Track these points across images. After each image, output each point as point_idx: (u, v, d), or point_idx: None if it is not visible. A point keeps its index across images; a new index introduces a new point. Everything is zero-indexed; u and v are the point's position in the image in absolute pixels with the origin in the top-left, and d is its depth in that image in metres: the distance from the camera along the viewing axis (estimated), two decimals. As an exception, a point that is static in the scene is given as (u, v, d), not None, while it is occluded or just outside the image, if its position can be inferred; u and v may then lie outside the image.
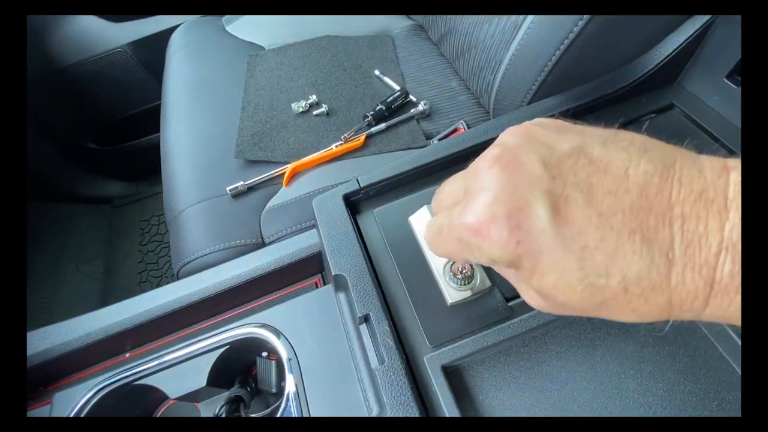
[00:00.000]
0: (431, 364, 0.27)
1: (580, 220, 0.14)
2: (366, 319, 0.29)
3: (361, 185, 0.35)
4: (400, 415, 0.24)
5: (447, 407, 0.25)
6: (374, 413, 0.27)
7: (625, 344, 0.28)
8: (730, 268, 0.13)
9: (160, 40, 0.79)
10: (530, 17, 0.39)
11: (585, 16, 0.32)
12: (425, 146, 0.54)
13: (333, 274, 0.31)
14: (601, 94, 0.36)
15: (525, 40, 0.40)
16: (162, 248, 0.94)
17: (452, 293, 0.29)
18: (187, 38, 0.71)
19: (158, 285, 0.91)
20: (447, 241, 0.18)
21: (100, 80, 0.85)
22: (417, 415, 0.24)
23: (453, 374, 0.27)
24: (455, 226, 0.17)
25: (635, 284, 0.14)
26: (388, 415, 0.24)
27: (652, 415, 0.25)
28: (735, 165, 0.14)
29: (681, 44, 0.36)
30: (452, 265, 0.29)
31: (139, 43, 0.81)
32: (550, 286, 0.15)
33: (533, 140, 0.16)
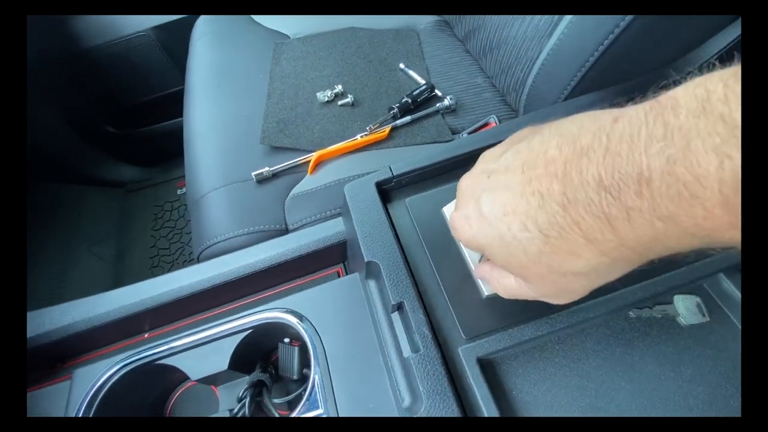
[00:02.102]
0: (466, 355, 0.26)
1: (501, 198, 0.19)
2: (399, 307, 0.28)
3: (394, 173, 0.34)
4: (437, 405, 0.24)
5: (483, 400, 0.24)
6: (406, 403, 0.26)
7: (664, 345, 0.27)
8: (612, 202, 0.15)
9: (184, 25, 0.78)
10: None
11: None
12: (451, 140, 0.53)
13: (365, 260, 0.30)
14: (644, 94, 0.35)
15: (566, 34, 0.39)
16: (174, 234, 0.94)
17: (488, 286, 0.28)
18: (212, 24, 0.71)
19: (169, 271, 0.91)
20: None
21: (121, 63, 0.85)
22: (454, 405, 0.24)
23: (486, 368, 0.27)
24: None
25: (549, 229, 0.17)
26: (423, 405, 0.24)
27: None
28: (621, 112, 0.16)
29: (726, 45, 0.35)
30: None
31: (163, 27, 0.81)
32: (503, 255, 0.20)
33: (488, 160, 0.22)
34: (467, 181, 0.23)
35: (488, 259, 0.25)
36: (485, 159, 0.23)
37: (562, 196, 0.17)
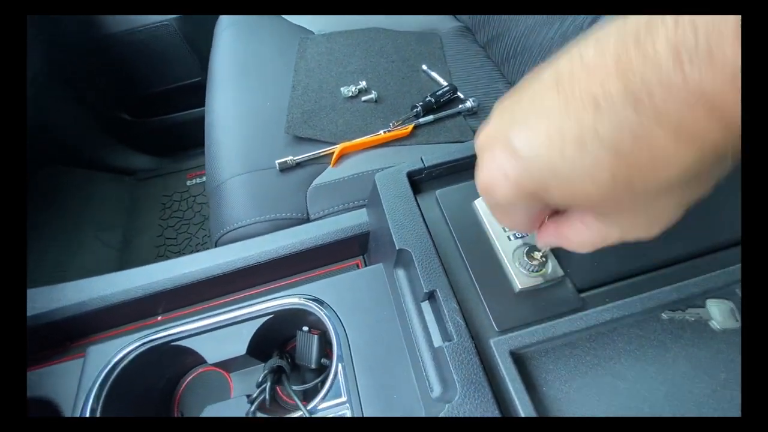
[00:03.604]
0: (498, 347, 0.26)
1: (531, 135, 0.15)
2: (431, 295, 0.28)
3: (426, 165, 0.34)
4: (472, 394, 0.23)
5: (516, 393, 0.24)
6: (436, 393, 0.26)
7: (697, 348, 0.27)
8: (703, 61, 0.11)
9: (208, 17, 0.79)
10: (602, 18, 0.39)
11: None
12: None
13: (397, 248, 0.30)
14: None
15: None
16: (182, 224, 0.93)
17: (522, 279, 0.28)
18: (237, 17, 0.72)
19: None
20: None
21: (143, 51, 0.85)
22: (489, 395, 0.23)
23: (518, 361, 0.26)
24: None
25: (617, 139, 0.13)
26: (458, 394, 0.23)
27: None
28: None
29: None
30: (527, 250, 0.28)
31: (187, 18, 0.82)
32: (562, 189, 0.15)
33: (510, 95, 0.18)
34: (484, 131, 0.18)
35: (541, 227, 0.21)
36: (500, 102, 0.18)
37: (626, 91, 0.13)
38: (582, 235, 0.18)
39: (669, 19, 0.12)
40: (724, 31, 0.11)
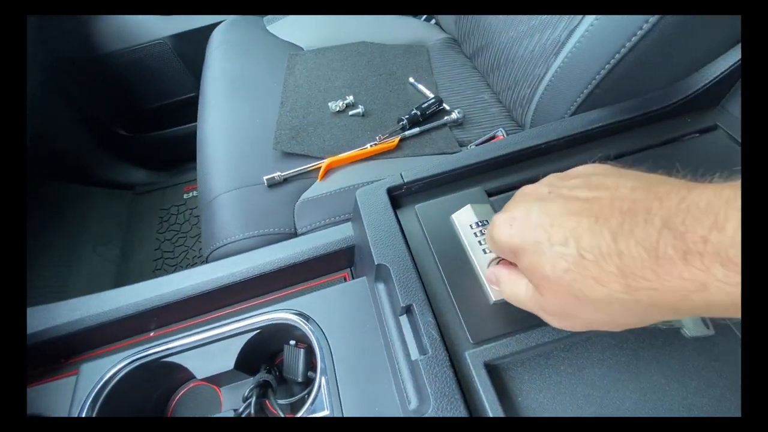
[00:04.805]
0: (473, 359, 0.26)
1: (554, 212, 0.20)
2: (408, 309, 0.29)
3: (405, 180, 0.35)
4: (445, 407, 0.24)
5: (489, 404, 0.25)
6: (413, 405, 0.26)
7: (669, 357, 0.28)
8: (671, 240, 0.15)
9: (201, 35, 0.81)
10: (577, 32, 0.40)
11: (638, 32, 0.33)
12: (458, 152, 0.55)
13: (375, 263, 0.31)
14: (647, 111, 0.37)
15: (573, 53, 0.40)
16: (179, 237, 0.95)
17: (496, 291, 0.28)
18: (229, 34, 0.74)
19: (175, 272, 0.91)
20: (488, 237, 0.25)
21: (138, 69, 0.87)
22: (462, 407, 0.24)
23: (493, 372, 0.27)
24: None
25: (588, 251, 0.18)
26: (431, 407, 0.24)
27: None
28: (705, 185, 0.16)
29: (727, 69, 0.37)
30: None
31: (181, 36, 0.84)
32: (533, 261, 0.20)
33: (554, 180, 0.23)
34: (525, 191, 0.23)
35: (502, 262, 0.26)
36: (553, 177, 0.23)
37: (619, 227, 0.17)
38: (518, 290, 0.23)
39: (676, 198, 0.16)
40: (698, 230, 0.15)
